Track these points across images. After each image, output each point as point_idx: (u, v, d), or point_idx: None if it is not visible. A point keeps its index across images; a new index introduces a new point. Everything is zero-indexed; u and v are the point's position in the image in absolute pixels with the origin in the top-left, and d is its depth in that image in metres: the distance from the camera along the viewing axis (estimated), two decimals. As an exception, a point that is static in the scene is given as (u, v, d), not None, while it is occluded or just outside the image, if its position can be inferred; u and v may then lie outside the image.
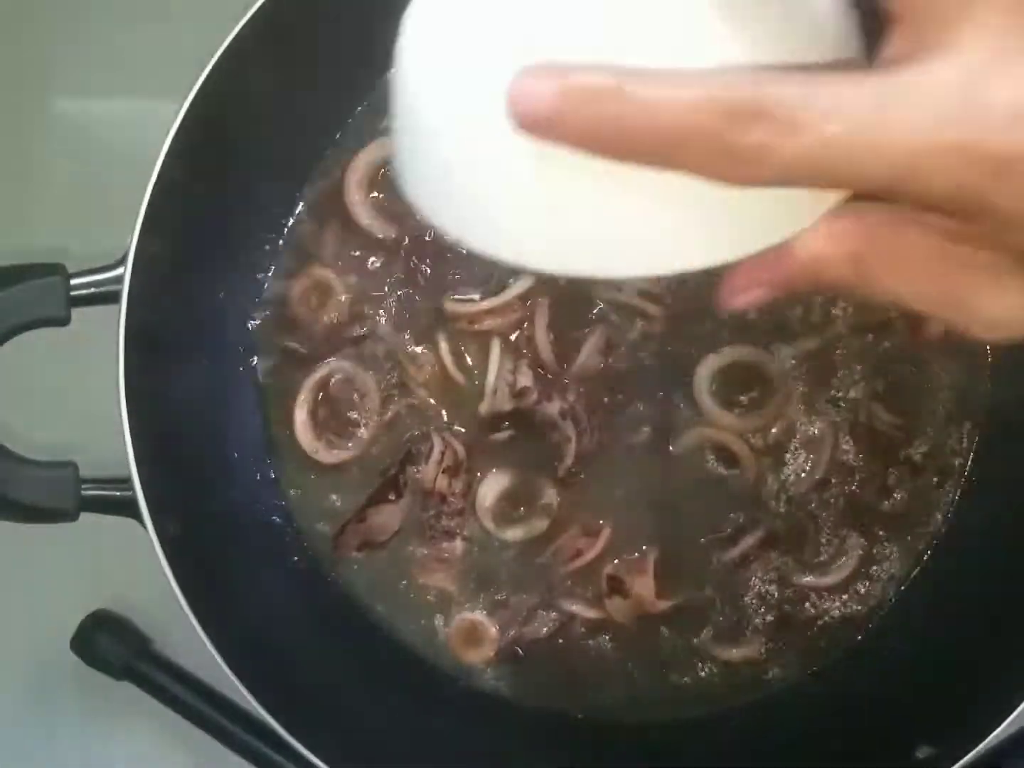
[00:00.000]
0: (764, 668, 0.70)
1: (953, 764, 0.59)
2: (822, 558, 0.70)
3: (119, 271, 0.58)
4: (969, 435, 0.70)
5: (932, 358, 0.70)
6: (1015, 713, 0.59)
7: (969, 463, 0.70)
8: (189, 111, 0.59)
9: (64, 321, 0.58)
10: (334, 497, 0.70)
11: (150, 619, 0.74)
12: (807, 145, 0.30)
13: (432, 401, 0.69)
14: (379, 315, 0.70)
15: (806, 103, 0.30)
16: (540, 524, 0.69)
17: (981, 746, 0.59)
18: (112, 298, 0.58)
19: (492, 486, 0.69)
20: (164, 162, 0.59)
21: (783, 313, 0.69)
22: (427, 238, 0.70)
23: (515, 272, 0.69)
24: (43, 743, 0.75)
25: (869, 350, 0.70)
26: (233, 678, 0.58)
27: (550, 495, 0.69)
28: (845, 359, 0.70)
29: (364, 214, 0.70)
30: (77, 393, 0.73)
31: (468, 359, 0.70)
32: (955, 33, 0.31)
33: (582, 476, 0.69)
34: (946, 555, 0.70)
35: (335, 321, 0.70)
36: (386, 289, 0.70)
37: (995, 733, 0.59)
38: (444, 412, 0.69)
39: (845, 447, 0.70)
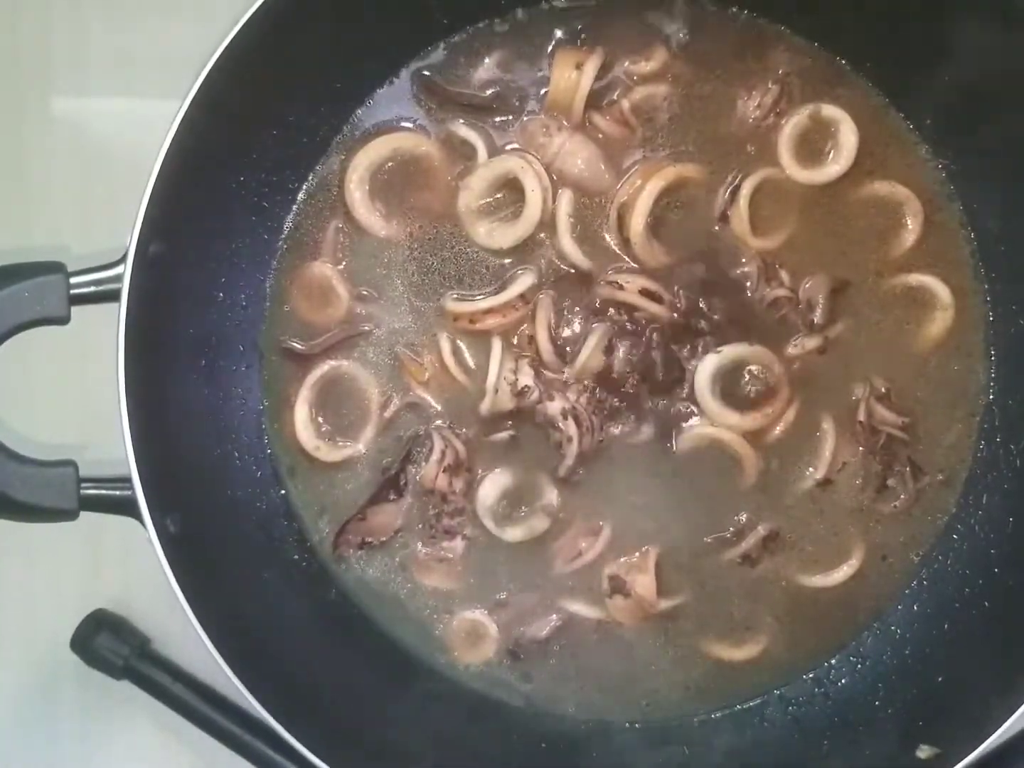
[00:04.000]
0: (765, 668, 0.70)
1: (955, 764, 0.59)
2: (824, 558, 0.70)
3: (119, 270, 0.58)
4: (971, 436, 0.70)
5: (934, 359, 0.70)
6: (1016, 714, 0.59)
7: (971, 463, 0.70)
8: (188, 110, 0.59)
9: (64, 320, 0.58)
10: (335, 495, 0.70)
11: (150, 618, 0.74)
12: None
13: (433, 400, 0.69)
14: (380, 314, 0.70)
15: None
16: (541, 524, 0.69)
17: (983, 747, 0.59)
18: (112, 297, 0.58)
19: (493, 485, 0.69)
20: (164, 161, 0.59)
21: (785, 313, 0.69)
22: (428, 236, 0.70)
23: (516, 271, 0.69)
24: (44, 742, 0.76)
25: (871, 350, 0.70)
26: (232, 677, 0.58)
27: (551, 495, 0.69)
28: (847, 359, 0.69)
29: (364, 213, 0.69)
30: (77, 392, 0.73)
31: (469, 358, 0.69)
32: None
33: (583, 476, 0.69)
34: (948, 556, 0.70)
35: (336, 320, 0.70)
36: (386, 288, 0.70)
37: (997, 734, 0.59)
38: (445, 411, 0.69)
39: (847, 447, 0.69)
